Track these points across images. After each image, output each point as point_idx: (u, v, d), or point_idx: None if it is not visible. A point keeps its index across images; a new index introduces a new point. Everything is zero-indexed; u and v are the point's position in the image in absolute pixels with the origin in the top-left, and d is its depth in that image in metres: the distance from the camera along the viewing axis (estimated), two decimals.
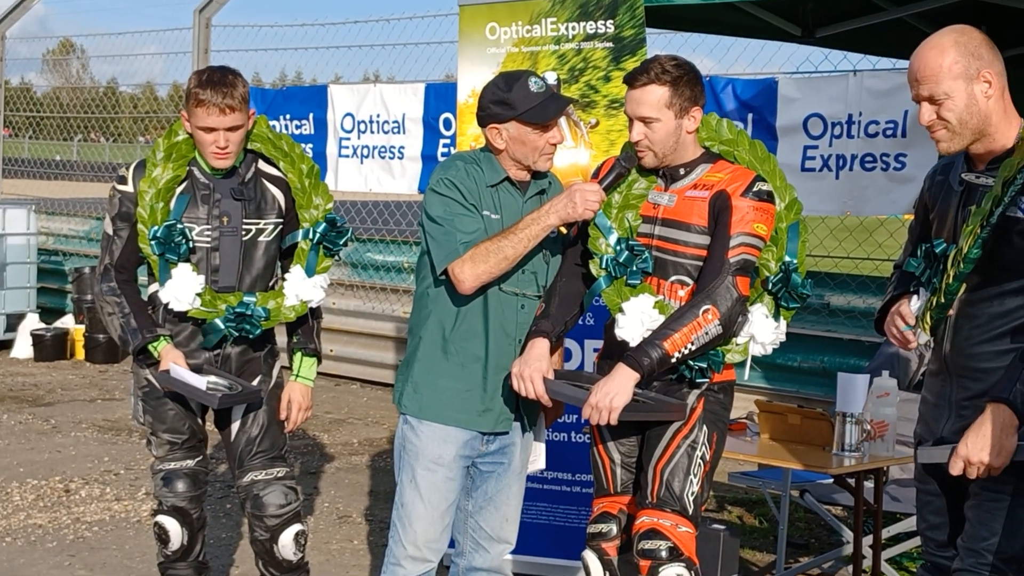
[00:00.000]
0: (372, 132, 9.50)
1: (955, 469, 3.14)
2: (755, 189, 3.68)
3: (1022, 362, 3.09)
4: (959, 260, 3.22)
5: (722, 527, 4.83)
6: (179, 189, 4.19)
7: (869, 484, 5.24)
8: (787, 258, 3.80)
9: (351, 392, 10.57)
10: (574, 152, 5.29)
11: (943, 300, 3.29)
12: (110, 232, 4.23)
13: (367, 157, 9.54)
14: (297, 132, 9.77)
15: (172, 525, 4.30)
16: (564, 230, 3.91)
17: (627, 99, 3.76)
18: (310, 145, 9.64)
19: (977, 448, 3.08)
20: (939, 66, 3.21)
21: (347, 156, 9.63)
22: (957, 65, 3.21)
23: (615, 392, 3.56)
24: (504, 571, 4.11)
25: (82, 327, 11.57)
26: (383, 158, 9.46)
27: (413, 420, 3.90)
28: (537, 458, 4.11)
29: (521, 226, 3.73)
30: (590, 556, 3.90)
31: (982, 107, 3.23)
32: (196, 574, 4.41)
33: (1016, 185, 3.15)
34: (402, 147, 9.34)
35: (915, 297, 3.39)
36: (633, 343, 3.66)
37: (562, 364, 4.10)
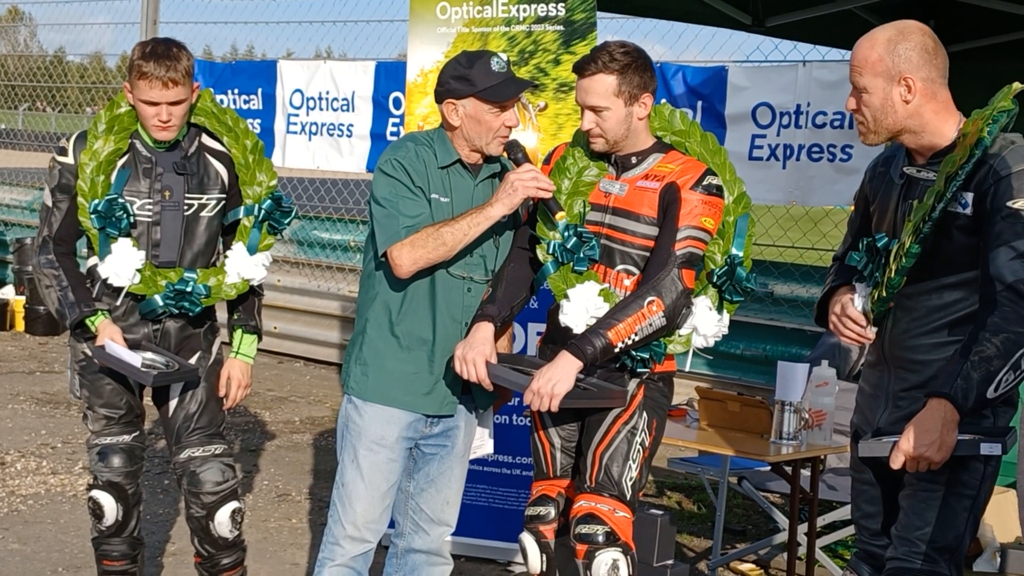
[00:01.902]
0: (321, 109, 9.43)
1: (896, 463, 3.15)
2: (705, 183, 3.69)
3: (963, 357, 3.11)
4: (901, 255, 3.25)
5: (659, 512, 4.87)
6: (120, 162, 4.14)
7: (806, 472, 5.29)
8: (733, 251, 3.82)
9: (294, 370, 10.53)
10: (522, 135, 5.29)
11: (884, 294, 3.32)
12: (49, 204, 4.18)
13: (315, 134, 9.47)
14: (245, 107, 9.69)
15: (107, 500, 4.26)
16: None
17: (576, 88, 3.76)
18: (258, 121, 9.56)
19: (919, 443, 3.10)
20: (865, 59, 3.27)
21: (295, 133, 9.56)
22: (881, 63, 3.25)
23: (557, 379, 3.57)
24: (443, 553, 4.11)
25: (23, 298, 11.44)
26: (331, 136, 9.40)
27: (357, 400, 3.88)
28: (484, 443, 4.11)
29: (465, 215, 3.72)
30: (527, 539, 3.92)
31: (898, 110, 3.27)
32: (130, 549, 4.38)
33: (957, 180, 3.18)
34: (351, 125, 9.29)
35: (857, 296, 3.42)
36: (577, 330, 3.67)
37: (511, 348, 4.11)
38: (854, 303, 3.41)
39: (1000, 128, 3.19)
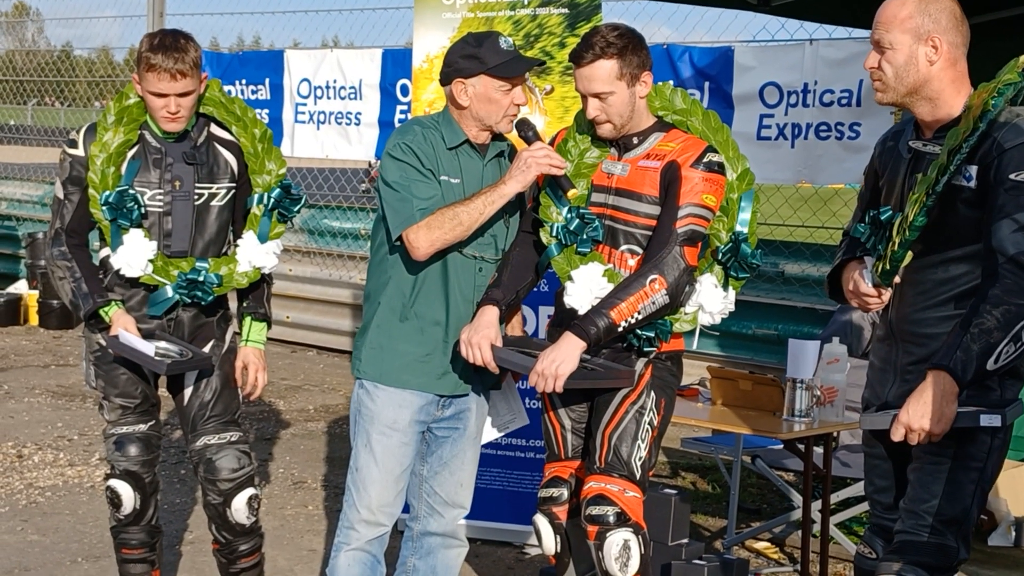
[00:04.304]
0: (329, 98, 9.44)
1: (896, 436, 3.18)
2: (705, 160, 3.70)
3: (963, 329, 3.12)
4: (904, 228, 3.26)
5: (673, 491, 4.87)
6: (130, 153, 4.15)
7: (819, 449, 5.29)
8: (738, 228, 3.82)
9: (307, 359, 10.56)
10: (529, 119, 5.29)
11: (888, 267, 3.33)
12: (61, 196, 4.20)
13: (324, 123, 9.48)
14: (253, 97, 9.69)
15: (124, 489, 4.29)
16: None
17: (576, 77, 3.74)
18: (266, 111, 9.56)
19: (918, 415, 3.12)
20: (894, 16, 3.28)
21: (303, 122, 9.56)
22: (911, 20, 3.26)
23: (561, 360, 3.58)
24: (458, 535, 4.13)
25: (36, 293, 11.49)
26: (340, 124, 9.40)
27: (369, 385, 3.90)
28: (516, 416, 4.11)
29: (479, 194, 3.74)
30: (541, 520, 3.94)
31: (922, 70, 3.27)
32: (148, 538, 4.41)
33: (962, 154, 3.19)
34: (359, 113, 9.29)
35: (866, 270, 3.43)
36: (581, 311, 3.69)
37: (523, 330, 4.13)
38: (864, 279, 3.42)
39: (1006, 101, 3.19)
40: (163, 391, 4.40)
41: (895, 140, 3.51)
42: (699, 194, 3.67)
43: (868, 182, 3.64)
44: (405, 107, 8.79)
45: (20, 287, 11.94)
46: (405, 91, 8.78)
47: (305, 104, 9.56)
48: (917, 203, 3.22)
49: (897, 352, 3.43)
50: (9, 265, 13.07)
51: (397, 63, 9.00)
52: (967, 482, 3.28)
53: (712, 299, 3.80)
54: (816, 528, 5.39)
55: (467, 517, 4.15)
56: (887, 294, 3.41)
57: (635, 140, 3.79)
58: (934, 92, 3.29)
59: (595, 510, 3.72)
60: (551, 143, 3.96)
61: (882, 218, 3.36)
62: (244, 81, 9.80)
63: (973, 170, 3.20)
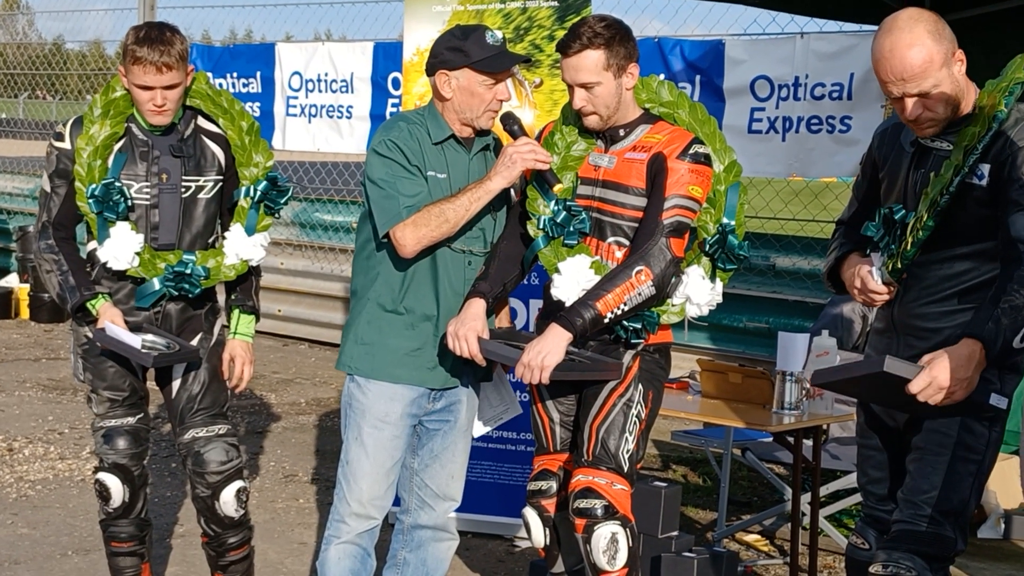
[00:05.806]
0: (320, 91, 9.44)
1: (916, 387, 3.11)
2: (692, 151, 3.69)
3: (992, 304, 3.12)
4: (918, 228, 3.28)
5: (664, 484, 4.88)
6: (117, 146, 4.14)
7: (809, 442, 5.30)
8: (725, 220, 3.82)
9: (299, 352, 10.55)
10: (518, 112, 5.29)
11: (900, 265, 3.36)
12: (48, 189, 4.19)
13: (315, 116, 9.48)
14: (244, 90, 9.68)
15: (113, 482, 4.28)
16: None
17: (564, 67, 3.74)
18: (257, 104, 9.55)
19: (949, 374, 3.08)
20: (923, 63, 3.23)
21: (295, 115, 9.56)
22: (938, 55, 3.23)
23: (547, 351, 3.59)
24: (449, 528, 4.14)
25: (27, 286, 11.47)
26: (331, 117, 9.40)
27: (360, 379, 3.90)
28: (509, 407, 4.09)
29: (465, 191, 3.74)
30: (530, 513, 3.94)
31: (961, 85, 3.30)
32: (138, 531, 4.40)
33: (976, 154, 3.20)
34: (350, 106, 9.29)
35: (875, 268, 3.43)
36: (568, 303, 3.69)
37: (511, 323, 4.13)
38: (873, 276, 3.43)
39: (1015, 99, 3.21)
40: (152, 384, 4.40)
41: (896, 133, 3.52)
42: (685, 185, 3.67)
43: (865, 173, 3.65)
44: (396, 100, 8.79)
45: (11, 280, 11.92)
46: (396, 84, 8.78)
47: (296, 97, 9.55)
48: (932, 204, 3.24)
49: (898, 345, 3.45)
50: (0, 258, 13.04)
51: (388, 56, 9.00)
52: (966, 474, 3.31)
53: (699, 291, 3.80)
54: (806, 520, 5.39)
55: (457, 510, 4.15)
56: (894, 290, 3.43)
57: (621, 132, 3.79)
58: (963, 99, 3.31)
59: (583, 503, 3.73)
60: (539, 136, 3.96)
61: (895, 217, 3.37)
62: (235, 74, 9.79)
63: (985, 168, 3.23)
